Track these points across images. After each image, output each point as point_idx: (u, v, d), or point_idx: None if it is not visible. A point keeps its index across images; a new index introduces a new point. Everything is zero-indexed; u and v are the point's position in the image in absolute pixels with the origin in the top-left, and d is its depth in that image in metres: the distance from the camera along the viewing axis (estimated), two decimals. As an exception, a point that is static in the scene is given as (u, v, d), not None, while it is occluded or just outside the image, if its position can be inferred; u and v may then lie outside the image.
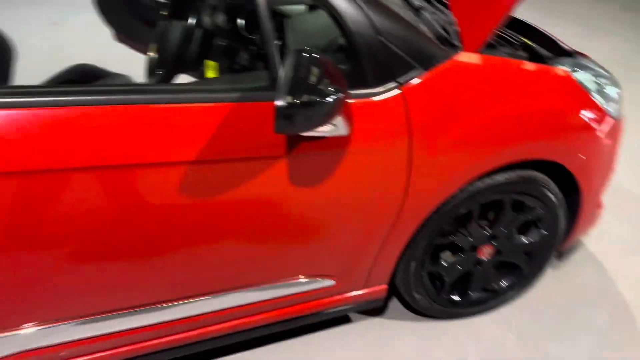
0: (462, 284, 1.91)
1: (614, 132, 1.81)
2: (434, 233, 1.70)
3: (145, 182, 1.22)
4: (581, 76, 1.75)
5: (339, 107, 1.18)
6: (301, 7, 1.77)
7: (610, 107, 1.77)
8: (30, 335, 1.33)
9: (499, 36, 1.81)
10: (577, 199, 1.84)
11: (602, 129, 1.74)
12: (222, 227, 1.36)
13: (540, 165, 1.72)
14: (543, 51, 1.85)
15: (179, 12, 1.65)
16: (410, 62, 1.41)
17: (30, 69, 2.37)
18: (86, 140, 1.14)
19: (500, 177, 1.66)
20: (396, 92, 1.39)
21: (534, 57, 1.81)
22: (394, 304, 2.02)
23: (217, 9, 1.74)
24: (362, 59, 1.35)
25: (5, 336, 1.31)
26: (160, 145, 1.20)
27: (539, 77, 1.61)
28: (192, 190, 1.27)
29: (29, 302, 1.29)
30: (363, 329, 1.92)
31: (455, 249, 1.83)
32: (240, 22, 1.71)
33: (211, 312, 1.53)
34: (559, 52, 1.89)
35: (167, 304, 1.45)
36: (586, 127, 1.70)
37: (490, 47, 1.67)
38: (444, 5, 1.89)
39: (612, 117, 1.77)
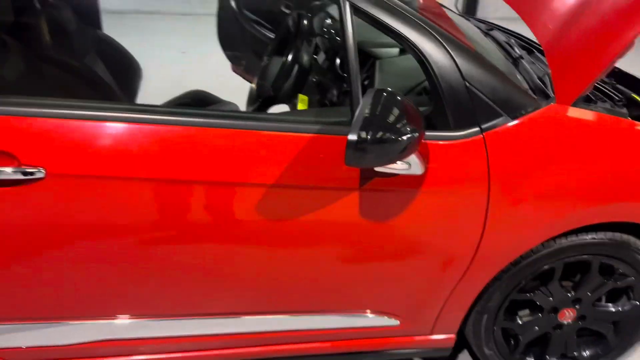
0: (539, 346, 1.80)
1: None
2: (510, 287, 1.63)
3: (230, 198, 1.33)
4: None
5: (413, 146, 1.21)
6: (394, 51, 1.83)
7: None
8: (118, 325, 1.48)
9: (599, 89, 1.73)
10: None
11: None
12: (293, 248, 1.42)
13: (636, 229, 1.60)
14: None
15: (281, 49, 1.79)
16: (495, 109, 1.40)
17: (155, 90, 2.67)
18: (187, 157, 1.27)
19: (588, 237, 1.57)
20: (478, 137, 1.39)
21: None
22: (464, 356, 1.95)
23: (317, 48, 1.86)
24: (446, 103, 1.37)
25: (97, 323, 1.47)
26: (247, 167, 1.30)
27: (636, 136, 1.52)
28: (270, 212, 1.35)
29: (125, 296, 1.44)
30: (427, 377, 1.87)
31: (534, 307, 1.74)
32: (338, 61, 1.80)
33: (275, 332, 1.59)
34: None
35: (235, 317, 1.53)
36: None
37: (587, 100, 1.60)
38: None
39: None
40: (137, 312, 1.48)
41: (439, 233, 1.46)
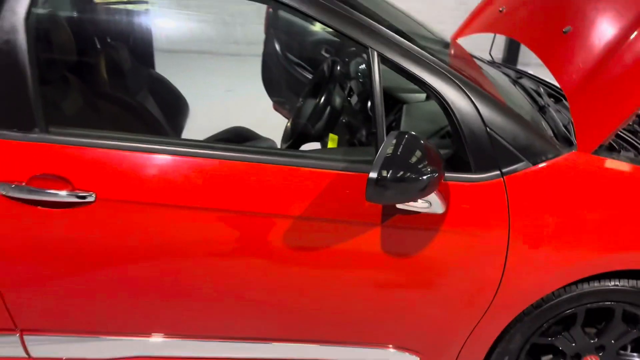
0: (562, 393, 1.79)
1: None
2: (532, 329, 1.65)
3: (261, 228, 1.43)
4: None
5: (432, 186, 1.28)
6: (421, 96, 1.93)
7: None
8: (151, 343, 1.57)
9: (624, 139, 1.76)
10: None
11: None
12: (318, 278, 1.50)
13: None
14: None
15: (315, 91, 1.91)
16: (516, 154, 1.46)
17: (200, 126, 2.83)
18: (223, 188, 1.39)
19: (610, 283, 1.58)
20: (498, 180, 1.45)
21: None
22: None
23: (351, 91, 1.98)
24: (467, 146, 1.44)
25: (132, 340, 1.57)
26: (278, 200, 1.40)
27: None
28: (297, 242, 1.44)
29: (160, 315, 1.54)
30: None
31: (557, 352, 1.74)
32: (369, 104, 1.91)
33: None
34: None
35: (261, 342, 1.60)
36: None
37: (610, 149, 1.64)
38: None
39: None
40: (170, 331, 1.58)
41: (458, 272, 1.51)
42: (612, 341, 1.69)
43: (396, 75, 1.49)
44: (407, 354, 1.67)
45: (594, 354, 1.71)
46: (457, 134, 1.45)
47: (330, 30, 1.42)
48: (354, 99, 2.08)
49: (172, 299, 1.51)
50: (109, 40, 2.36)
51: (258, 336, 1.60)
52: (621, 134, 1.81)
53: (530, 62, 2.68)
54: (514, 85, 2.09)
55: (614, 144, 1.68)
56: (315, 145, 1.97)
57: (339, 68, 1.90)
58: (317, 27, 3.02)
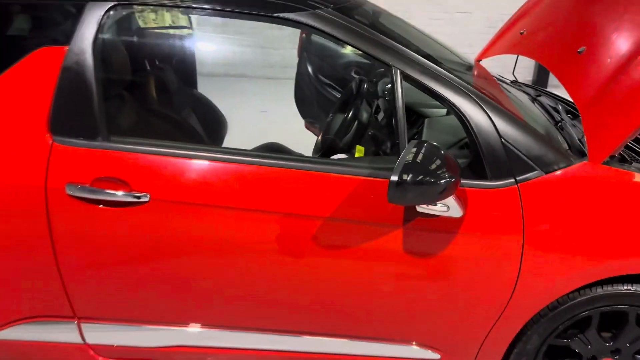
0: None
1: None
2: (548, 331, 1.73)
3: (293, 228, 1.58)
4: None
5: (450, 190, 1.41)
6: (442, 111, 2.07)
7: None
8: (193, 333, 1.73)
9: (635, 151, 1.86)
10: None
11: None
12: (346, 275, 1.63)
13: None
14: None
15: (344, 107, 2.08)
16: (530, 163, 1.59)
17: (237, 142, 3.03)
18: (259, 191, 1.55)
19: (623, 287, 1.66)
20: (513, 187, 1.57)
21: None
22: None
23: (378, 108, 2.13)
24: (483, 156, 1.57)
25: (177, 330, 1.73)
26: (308, 202, 1.56)
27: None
28: (325, 241, 1.59)
29: (203, 307, 1.69)
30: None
31: (574, 355, 1.81)
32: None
33: (328, 354, 1.77)
34: None
35: (293, 335, 1.74)
36: None
37: (622, 160, 1.74)
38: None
39: None
40: (208, 322, 1.73)
41: (476, 273, 1.62)
42: (627, 344, 1.76)
43: (419, 93, 1.64)
44: (429, 351, 1.78)
45: (610, 357, 1.78)
46: (474, 145, 1.58)
47: (358, 51, 1.59)
48: (380, 115, 2.24)
49: (213, 292, 1.67)
50: (157, 63, 2.59)
51: (289, 329, 1.74)
52: (633, 146, 1.91)
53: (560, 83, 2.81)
54: (533, 102, 2.21)
55: (626, 156, 1.77)
56: (343, 157, 2.13)
57: (365, 86, 2.07)
58: (347, 50, 3.21)
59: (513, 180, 1.58)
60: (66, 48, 1.56)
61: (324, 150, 1.99)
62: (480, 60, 2.85)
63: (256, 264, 1.62)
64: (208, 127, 2.72)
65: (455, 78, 1.62)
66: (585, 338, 1.76)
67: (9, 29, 1.70)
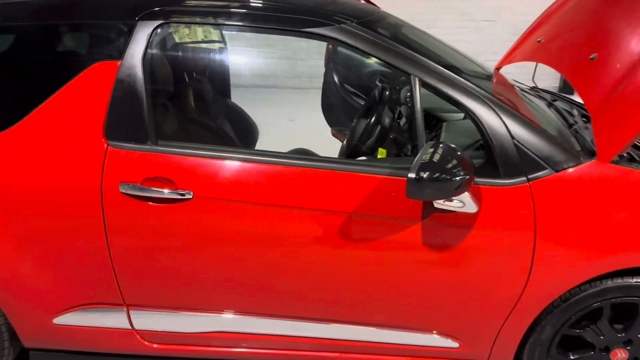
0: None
1: None
2: (561, 321, 1.84)
3: (320, 222, 1.73)
4: None
5: (464, 186, 1.55)
6: (459, 115, 2.19)
7: None
8: (231, 320, 1.89)
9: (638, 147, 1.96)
10: None
11: None
12: (371, 266, 1.77)
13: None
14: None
15: (367, 113, 2.23)
16: (540, 163, 1.71)
17: (267, 148, 3.21)
18: (290, 189, 1.72)
19: (632, 280, 1.76)
20: (525, 184, 1.70)
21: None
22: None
23: (401, 114, 2.28)
24: (496, 156, 1.70)
25: (215, 317, 1.90)
26: (334, 199, 1.71)
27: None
28: (350, 235, 1.74)
29: (241, 295, 1.85)
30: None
31: (587, 346, 1.91)
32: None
33: (358, 341, 1.91)
34: None
35: (322, 322, 1.88)
36: None
37: (631, 160, 1.84)
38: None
39: None
40: (246, 309, 1.89)
41: (490, 266, 1.74)
42: (639, 336, 1.85)
43: (438, 99, 1.78)
44: (449, 340, 1.90)
45: (622, 347, 1.87)
46: (488, 146, 1.72)
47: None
48: (402, 121, 2.38)
49: (249, 281, 1.83)
50: (195, 75, 2.80)
51: (318, 317, 1.88)
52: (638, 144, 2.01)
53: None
54: (549, 107, 2.32)
55: (635, 156, 1.88)
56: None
57: (387, 93, 2.22)
58: (372, 60, 3.36)
59: (525, 178, 1.71)
60: (119, 63, 1.76)
61: (348, 153, 2.15)
62: (500, 67, 2.97)
63: (288, 256, 1.78)
64: (241, 134, 2.90)
65: (470, 84, 1.75)
66: (598, 329, 1.86)
67: (69, 46, 1.91)
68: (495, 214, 1.70)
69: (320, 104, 3.70)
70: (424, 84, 1.72)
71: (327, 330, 1.91)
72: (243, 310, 1.89)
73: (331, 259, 1.78)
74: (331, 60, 3.73)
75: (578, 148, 1.86)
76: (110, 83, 1.75)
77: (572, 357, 1.91)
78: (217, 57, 3.12)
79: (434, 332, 1.90)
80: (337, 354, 1.95)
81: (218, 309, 1.90)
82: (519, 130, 1.72)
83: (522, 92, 2.40)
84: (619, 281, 1.77)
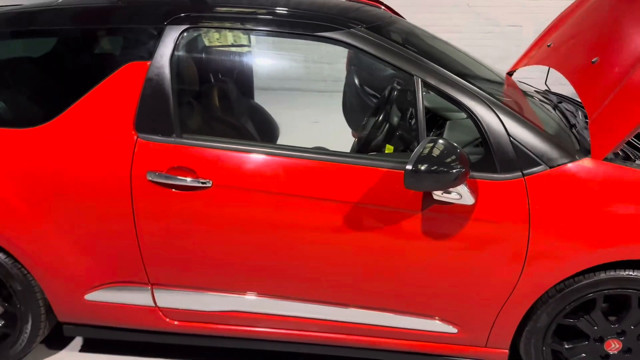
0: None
1: None
2: (556, 310, 1.93)
3: (328, 210, 1.88)
4: None
5: (460, 179, 1.67)
6: (462, 115, 2.31)
7: None
8: (248, 300, 2.05)
9: (636, 147, 2.04)
10: None
11: None
12: (377, 252, 1.90)
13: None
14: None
15: (377, 111, 2.37)
16: (535, 159, 1.82)
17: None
18: (304, 179, 1.87)
19: (624, 272, 1.85)
20: (520, 179, 1.81)
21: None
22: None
23: (411, 113, 2.41)
24: (493, 152, 1.82)
25: (234, 297, 2.06)
26: (342, 189, 1.85)
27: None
28: (355, 223, 1.87)
29: (256, 277, 2.00)
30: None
31: (582, 336, 2.00)
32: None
33: (366, 325, 2.04)
34: None
35: (332, 306, 2.02)
36: None
37: (626, 158, 1.92)
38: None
39: None
40: (261, 291, 2.04)
41: (486, 255, 1.86)
42: (632, 327, 1.93)
43: (443, 100, 1.90)
44: (450, 326, 2.02)
45: (616, 338, 1.95)
46: (485, 142, 1.83)
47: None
48: (413, 121, 2.51)
49: (263, 264, 1.99)
50: (220, 76, 2.98)
51: (330, 300, 2.02)
52: (636, 144, 2.09)
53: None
54: (555, 108, 2.41)
55: (630, 154, 1.96)
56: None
57: (395, 93, 2.35)
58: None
59: (520, 173, 1.82)
60: (149, 63, 1.94)
61: (358, 148, 2.29)
62: (513, 71, 3.07)
63: (298, 242, 1.93)
64: (262, 132, 3.07)
65: (470, 85, 1.88)
66: (592, 319, 1.95)
67: (105, 48, 2.11)
68: (491, 206, 1.82)
69: (342, 106, 3.84)
70: (425, 84, 1.85)
71: (338, 313, 2.04)
72: (258, 291, 2.05)
73: (339, 245, 1.92)
74: (352, 63, 3.87)
75: (577, 146, 1.96)
76: (141, 81, 1.94)
77: (566, 346, 2.00)
78: (242, 60, 3.30)
79: (437, 318, 2.01)
80: (345, 336, 2.08)
81: (235, 289, 2.06)
82: (515, 129, 1.83)
83: (529, 95, 2.50)
84: (611, 273, 1.86)
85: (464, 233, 1.84)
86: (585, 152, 1.90)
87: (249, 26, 1.99)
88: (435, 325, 2.02)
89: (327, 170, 1.88)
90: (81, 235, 2.02)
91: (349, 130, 3.84)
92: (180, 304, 2.11)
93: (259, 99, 3.57)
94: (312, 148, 2.54)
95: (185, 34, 1.98)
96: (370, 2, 3.11)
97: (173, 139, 1.92)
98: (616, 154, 1.95)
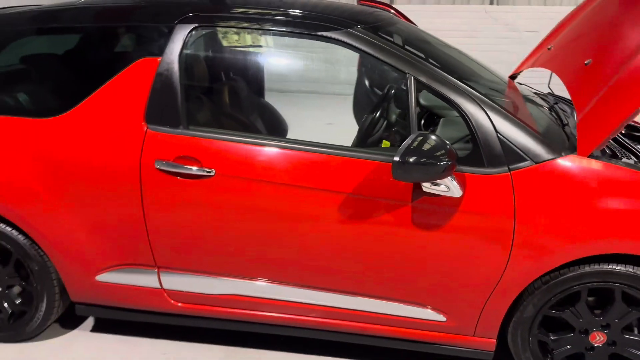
0: (575, 366, 2.09)
1: None
2: (541, 302, 2.00)
3: (325, 201, 1.98)
4: None
5: (447, 171, 1.76)
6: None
7: None
8: (251, 285, 2.16)
9: (625, 147, 2.09)
10: None
11: None
12: (368, 241, 2.00)
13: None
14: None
15: (376, 109, 2.47)
16: (521, 154, 1.89)
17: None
18: (303, 170, 1.98)
19: (608, 266, 1.91)
20: (506, 174, 1.89)
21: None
22: None
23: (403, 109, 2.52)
24: (481, 147, 1.91)
25: (236, 281, 2.17)
26: (338, 180, 1.96)
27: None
28: (348, 213, 1.97)
29: (259, 263, 2.11)
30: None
31: (568, 328, 2.06)
32: (422, 121, 2.42)
33: (350, 310, 2.14)
34: None
35: (328, 292, 2.12)
36: None
37: (613, 156, 1.98)
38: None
39: None
40: (262, 276, 2.15)
41: (473, 246, 1.94)
42: (616, 320, 1.99)
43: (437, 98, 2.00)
44: (440, 315, 2.10)
45: (600, 330, 2.01)
46: (473, 138, 1.92)
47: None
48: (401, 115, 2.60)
49: (263, 251, 2.10)
50: (231, 74, 3.11)
51: (327, 287, 2.12)
52: (626, 144, 2.15)
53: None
54: (551, 109, 2.48)
55: (617, 152, 2.02)
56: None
57: (393, 92, 2.45)
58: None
59: (506, 168, 1.90)
60: (159, 59, 2.08)
61: (356, 143, 2.39)
62: (517, 73, 3.14)
63: (295, 229, 2.04)
64: (270, 130, 3.19)
65: (461, 84, 1.97)
66: (577, 311, 2.01)
67: (120, 44, 2.26)
68: (478, 199, 1.90)
69: (352, 107, 3.94)
70: (417, 82, 1.95)
71: (336, 300, 2.14)
72: (258, 276, 2.16)
73: (333, 234, 2.02)
74: (363, 64, 3.97)
75: (566, 144, 2.03)
76: (152, 76, 2.08)
77: (552, 337, 2.07)
78: (253, 58, 3.43)
79: (428, 306, 2.10)
80: (342, 322, 2.18)
81: (237, 274, 2.17)
82: (503, 126, 1.92)
83: (527, 96, 2.57)
84: (595, 267, 1.92)
85: (451, 224, 1.93)
86: (572, 148, 1.97)
87: (253, 25, 2.11)
88: (427, 313, 2.10)
89: (324, 162, 1.99)
90: (93, 219, 2.16)
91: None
92: (184, 287, 2.23)
93: (278, 101, 3.69)
94: (310, 141, 2.66)
95: (193, 32, 2.11)
96: (381, 6, 3.22)
97: (180, 130, 2.05)
98: (603, 152, 2.01)
